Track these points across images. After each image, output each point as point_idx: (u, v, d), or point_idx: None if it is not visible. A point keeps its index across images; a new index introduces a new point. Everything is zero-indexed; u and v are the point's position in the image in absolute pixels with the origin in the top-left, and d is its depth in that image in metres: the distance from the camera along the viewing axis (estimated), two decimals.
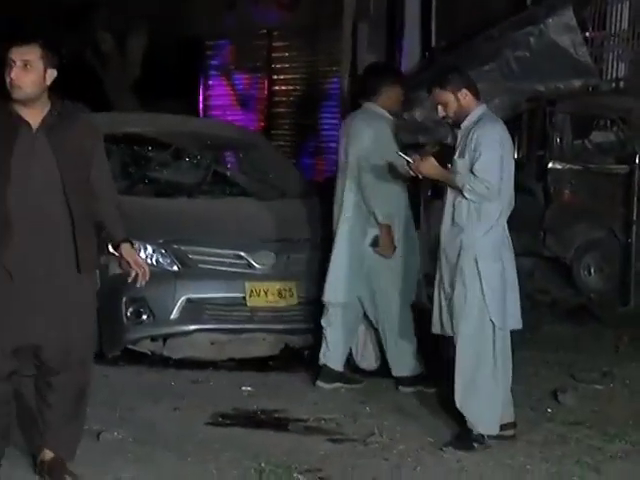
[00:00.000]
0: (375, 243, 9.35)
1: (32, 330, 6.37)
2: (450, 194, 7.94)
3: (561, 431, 8.24)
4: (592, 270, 13.10)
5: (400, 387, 9.42)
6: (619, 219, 12.72)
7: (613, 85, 15.99)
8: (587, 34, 15.64)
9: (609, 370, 9.97)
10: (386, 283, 9.39)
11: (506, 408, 7.96)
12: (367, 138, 9.33)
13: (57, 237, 6.38)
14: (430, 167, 7.98)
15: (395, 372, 9.48)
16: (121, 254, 6.61)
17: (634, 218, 12.59)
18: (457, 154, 7.93)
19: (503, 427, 7.90)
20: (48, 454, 6.66)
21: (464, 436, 7.82)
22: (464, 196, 7.78)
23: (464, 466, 7.46)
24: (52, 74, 6.44)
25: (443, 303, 8.01)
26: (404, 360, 9.44)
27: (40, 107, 6.44)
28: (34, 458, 6.82)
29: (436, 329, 8.13)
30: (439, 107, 8.00)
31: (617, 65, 16.22)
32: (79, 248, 6.42)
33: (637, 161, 12.60)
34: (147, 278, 6.73)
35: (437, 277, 8.10)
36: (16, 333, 6.34)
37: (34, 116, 6.41)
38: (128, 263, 6.60)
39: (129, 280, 6.73)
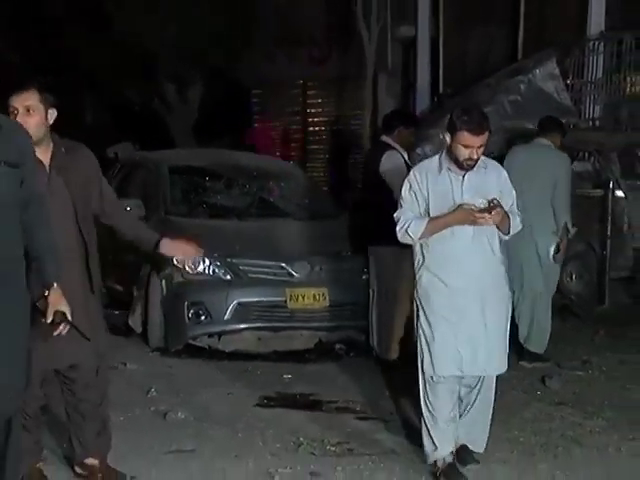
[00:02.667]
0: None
1: (68, 353, 5.85)
2: (483, 232, 6.52)
3: (548, 410, 8.23)
4: (574, 276, 13.04)
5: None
6: (596, 235, 12.67)
7: (590, 123, 15.97)
8: (568, 81, 15.64)
9: (588, 359, 9.94)
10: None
11: None
12: None
13: (74, 267, 5.84)
14: (503, 217, 6.45)
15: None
16: None
17: (608, 234, 12.57)
18: (478, 194, 6.44)
19: None
20: (91, 461, 6.26)
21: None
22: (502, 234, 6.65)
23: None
24: (53, 114, 5.85)
25: (483, 341, 6.51)
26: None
27: (46, 146, 5.86)
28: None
29: (475, 371, 6.61)
30: (476, 149, 6.39)
31: (593, 107, 16.22)
32: (92, 273, 6.03)
33: (610, 186, 12.59)
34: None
35: (476, 314, 6.52)
36: (54, 358, 5.85)
37: (43, 155, 5.79)
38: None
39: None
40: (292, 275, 10.14)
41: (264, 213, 11.30)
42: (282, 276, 10.14)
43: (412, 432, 7.50)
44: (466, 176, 6.47)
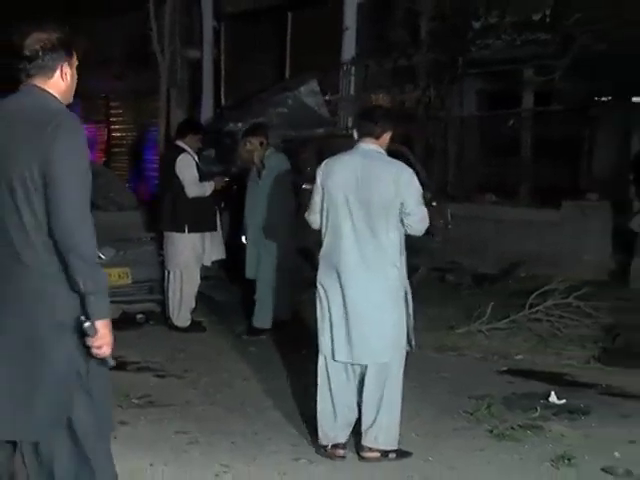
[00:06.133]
0: None
1: None
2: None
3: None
4: None
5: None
6: None
7: (344, 132, 16.24)
8: (327, 97, 15.86)
9: None
10: None
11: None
12: None
13: None
14: None
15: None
16: None
17: None
18: None
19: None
20: None
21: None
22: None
23: (250, 386, 7.52)
24: None
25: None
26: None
27: None
28: None
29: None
30: None
31: (347, 118, 16.49)
32: None
33: None
34: None
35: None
36: None
37: None
38: None
39: None
40: (100, 257, 9.91)
41: None
42: None
43: (202, 386, 7.54)
44: None
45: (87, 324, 3.76)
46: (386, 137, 5.91)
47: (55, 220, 3.79)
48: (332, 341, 5.85)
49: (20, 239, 3.83)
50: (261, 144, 9.59)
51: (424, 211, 5.82)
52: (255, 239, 9.43)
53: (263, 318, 9.49)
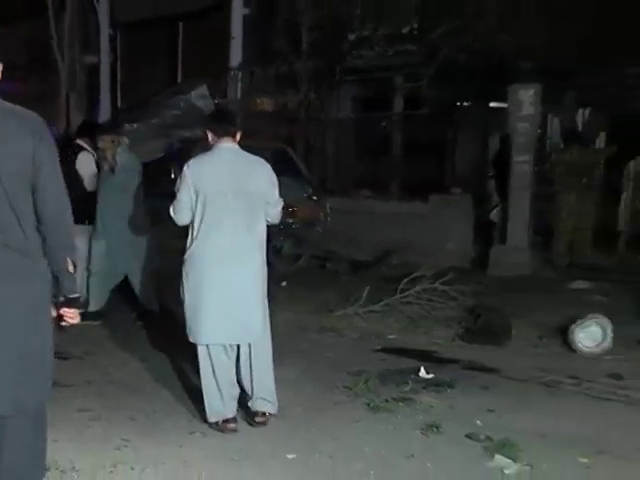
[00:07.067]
0: None
1: None
2: None
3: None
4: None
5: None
6: None
7: None
8: (216, 101, 15.80)
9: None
10: None
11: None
12: None
13: None
14: None
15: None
16: None
17: None
18: None
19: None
20: None
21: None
22: None
23: (147, 366, 7.46)
24: None
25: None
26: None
27: None
28: None
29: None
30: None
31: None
32: None
33: None
34: None
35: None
36: None
37: None
38: None
39: None
40: None
41: None
42: None
43: (102, 367, 7.46)
44: None
45: (79, 296, 4.14)
46: (239, 136, 5.94)
47: (47, 209, 3.95)
48: (206, 327, 5.81)
49: (9, 228, 3.87)
50: (113, 142, 9.31)
51: (282, 203, 6.00)
52: (103, 234, 9.12)
53: (149, 302, 9.33)
